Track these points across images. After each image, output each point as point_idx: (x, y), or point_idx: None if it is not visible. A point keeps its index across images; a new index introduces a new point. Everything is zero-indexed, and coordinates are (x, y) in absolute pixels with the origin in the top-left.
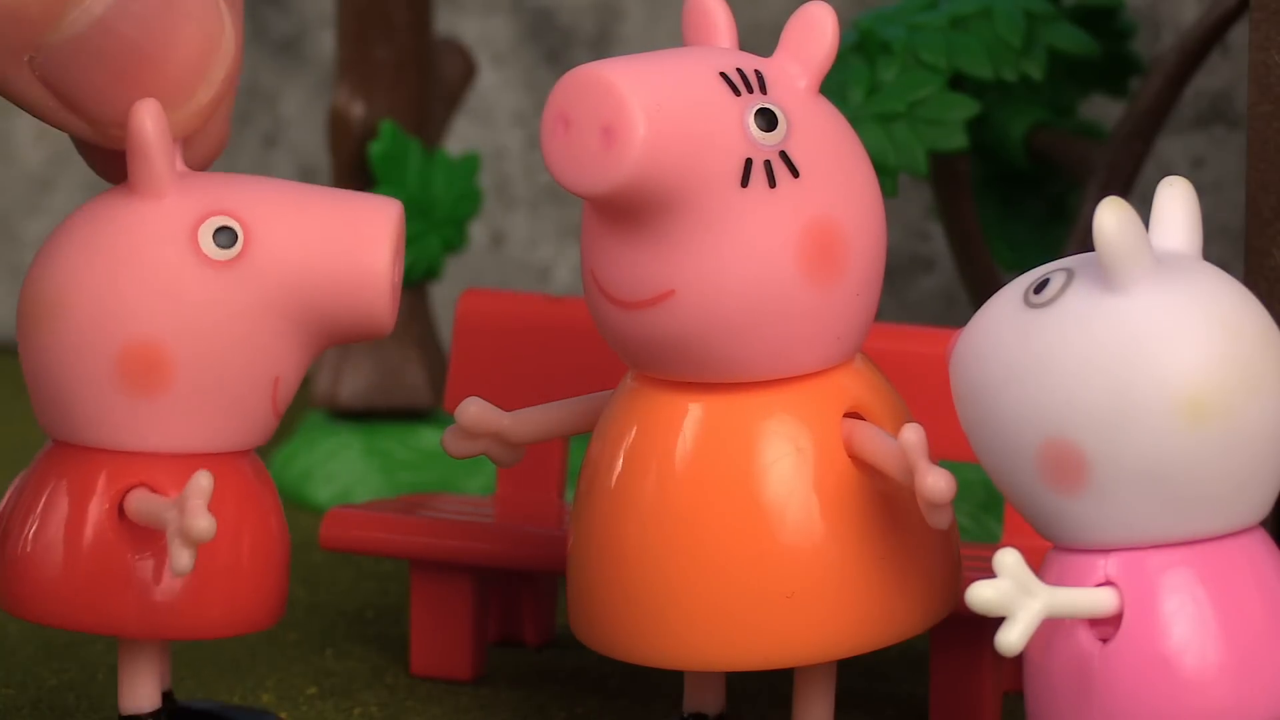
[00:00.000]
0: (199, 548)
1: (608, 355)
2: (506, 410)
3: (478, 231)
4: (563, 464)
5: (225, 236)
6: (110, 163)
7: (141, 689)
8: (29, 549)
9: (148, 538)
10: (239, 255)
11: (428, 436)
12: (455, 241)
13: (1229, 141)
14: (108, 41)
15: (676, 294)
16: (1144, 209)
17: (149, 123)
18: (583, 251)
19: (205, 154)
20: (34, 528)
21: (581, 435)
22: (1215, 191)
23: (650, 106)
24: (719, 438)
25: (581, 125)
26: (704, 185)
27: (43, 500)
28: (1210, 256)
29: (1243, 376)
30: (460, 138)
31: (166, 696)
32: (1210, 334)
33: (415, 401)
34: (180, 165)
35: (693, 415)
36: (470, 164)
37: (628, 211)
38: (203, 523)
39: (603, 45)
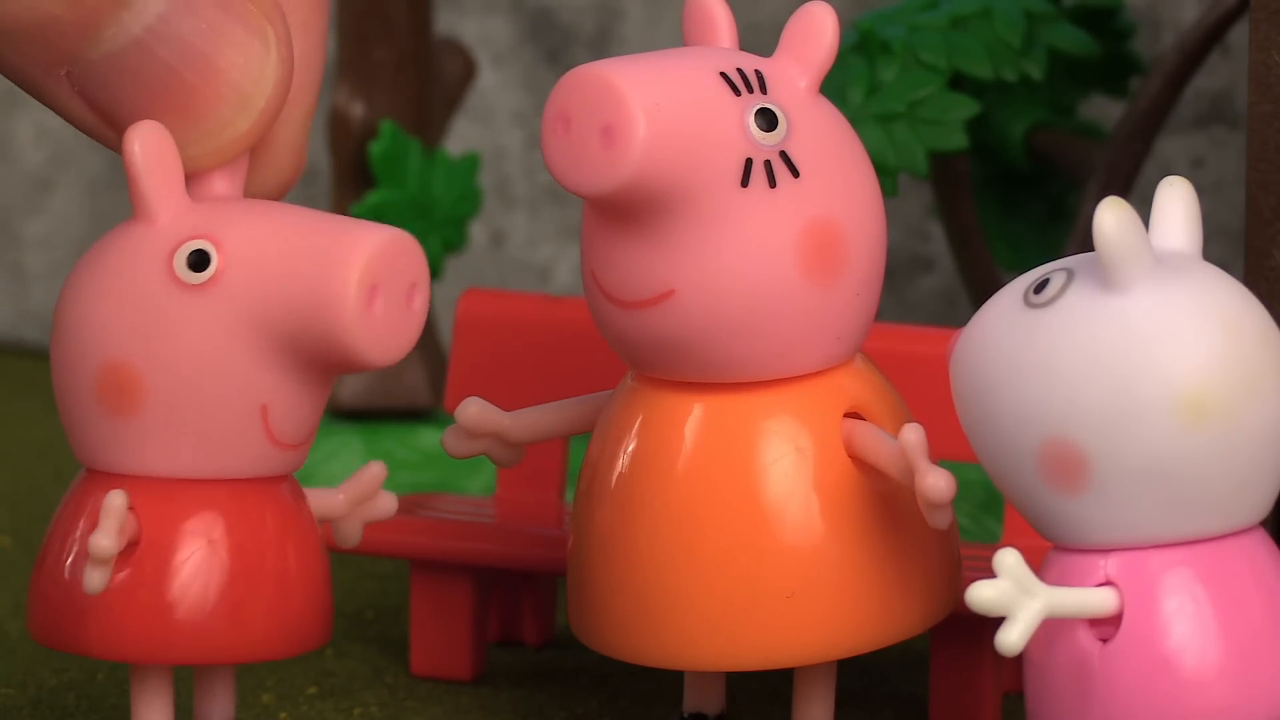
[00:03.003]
0: (242, 569)
1: (608, 355)
2: (506, 410)
3: (478, 231)
4: (563, 464)
5: (198, 259)
6: None
7: (151, 716)
8: (40, 571)
9: (159, 562)
10: (211, 279)
11: (428, 436)
12: (455, 241)
13: (1229, 141)
14: (144, 62)
15: (676, 294)
16: (1144, 209)
17: (136, 146)
18: (583, 251)
19: (274, 180)
20: (46, 551)
21: (581, 435)
22: (1215, 191)
23: (650, 106)
24: (719, 438)
25: (582, 125)
26: (704, 185)
27: (56, 523)
28: (1210, 256)
29: (1243, 376)
30: (460, 138)
31: None
32: (1210, 334)
33: (415, 401)
34: (224, 187)
35: (693, 415)
36: (470, 164)
37: (628, 211)
38: (102, 541)
39: (603, 45)
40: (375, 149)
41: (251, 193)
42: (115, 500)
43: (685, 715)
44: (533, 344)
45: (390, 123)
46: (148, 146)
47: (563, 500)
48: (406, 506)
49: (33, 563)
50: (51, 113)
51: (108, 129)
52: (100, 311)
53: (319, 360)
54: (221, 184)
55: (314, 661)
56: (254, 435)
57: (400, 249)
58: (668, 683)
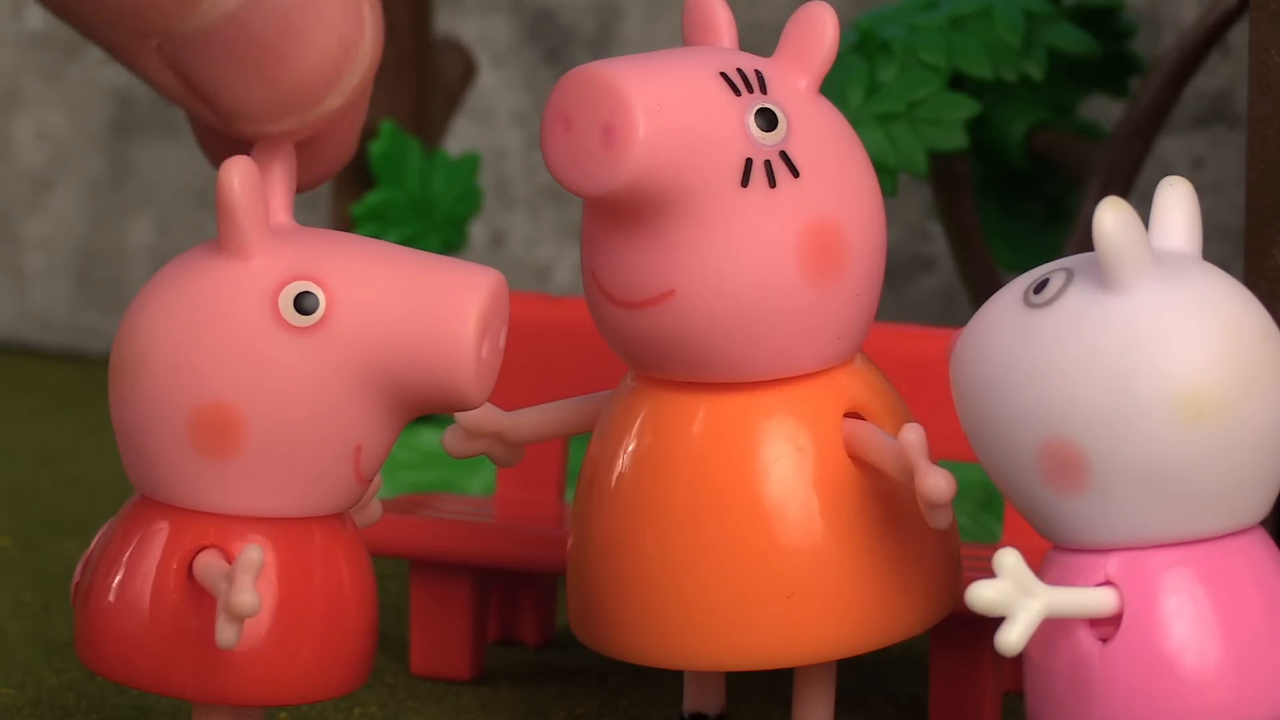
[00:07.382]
0: (313, 610)
1: (608, 355)
2: (506, 410)
3: (478, 231)
4: (563, 464)
5: (307, 302)
6: (226, 151)
7: None
8: (105, 603)
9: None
10: (320, 322)
11: (428, 436)
12: (455, 241)
13: (1229, 141)
14: (238, 36)
15: (677, 294)
16: (1144, 209)
17: (236, 182)
18: (583, 251)
19: (328, 163)
20: (111, 582)
21: (581, 435)
22: (1215, 191)
23: (651, 106)
24: (719, 437)
25: (582, 125)
26: (704, 185)
27: (121, 554)
28: (1210, 256)
29: (1241, 376)
30: (460, 138)
31: None
32: (1209, 334)
33: None
34: (286, 217)
35: (693, 415)
36: (470, 164)
37: (628, 211)
38: (247, 598)
39: (603, 45)
40: (375, 149)
41: (304, 174)
42: (254, 555)
43: (685, 715)
44: (533, 344)
45: (390, 123)
46: (246, 182)
47: (563, 500)
48: (406, 506)
49: (32, 562)
50: (51, 113)
51: (196, 100)
52: (196, 350)
53: (422, 401)
54: (281, 208)
55: None
56: (344, 474)
57: (502, 289)
58: (668, 683)
